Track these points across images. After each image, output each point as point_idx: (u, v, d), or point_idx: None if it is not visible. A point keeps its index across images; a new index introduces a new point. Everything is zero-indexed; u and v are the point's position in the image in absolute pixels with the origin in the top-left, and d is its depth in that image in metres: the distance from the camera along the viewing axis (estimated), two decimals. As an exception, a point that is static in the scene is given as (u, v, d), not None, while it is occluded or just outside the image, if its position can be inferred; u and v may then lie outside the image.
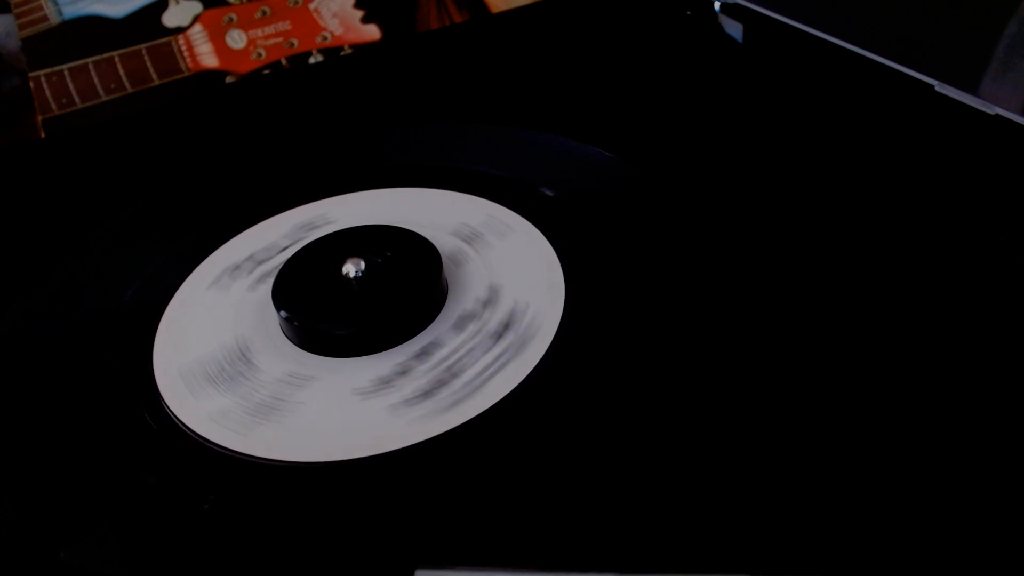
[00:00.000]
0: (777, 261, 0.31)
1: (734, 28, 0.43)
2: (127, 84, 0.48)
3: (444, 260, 0.31)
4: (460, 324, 0.30)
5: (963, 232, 0.31)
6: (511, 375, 0.28)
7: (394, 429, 0.27)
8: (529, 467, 0.26)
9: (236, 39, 0.49)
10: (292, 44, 0.49)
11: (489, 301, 0.31)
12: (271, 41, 0.49)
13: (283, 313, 0.30)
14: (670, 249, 0.32)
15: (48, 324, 0.33)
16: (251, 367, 0.30)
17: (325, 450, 0.27)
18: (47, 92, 0.47)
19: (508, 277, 0.31)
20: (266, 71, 0.48)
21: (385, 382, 0.29)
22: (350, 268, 0.30)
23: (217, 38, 0.49)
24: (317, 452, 0.27)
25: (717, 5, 0.44)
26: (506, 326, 0.30)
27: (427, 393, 0.28)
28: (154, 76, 0.48)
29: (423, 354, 0.29)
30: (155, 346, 0.31)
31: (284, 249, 0.34)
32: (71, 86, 0.47)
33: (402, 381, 0.29)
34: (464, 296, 0.31)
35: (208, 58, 0.49)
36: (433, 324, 0.30)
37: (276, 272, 0.31)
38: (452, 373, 0.29)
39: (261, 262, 0.33)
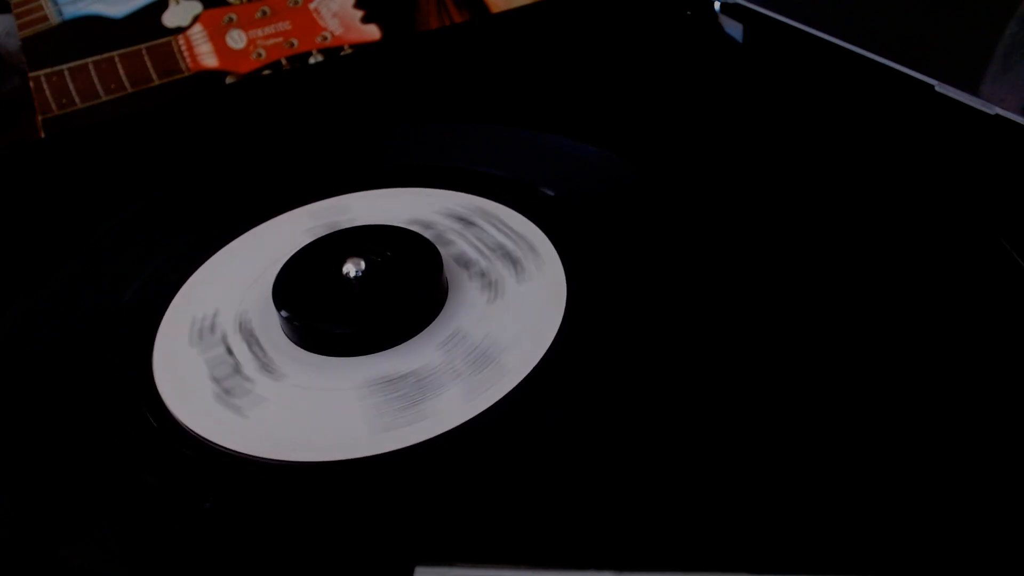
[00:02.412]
0: (778, 261, 0.31)
1: (734, 28, 0.43)
2: (127, 84, 0.48)
3: (444, 260, 0.31)
4: (461, 324, 0.30)
5: (963, 232, 0.31)
6: (511, 375, 0.28)
7: (394, 428, 0.27)
8: (528, 466, 0.26)
9: (236, 39, 0.49)
10: (292, 44, 0.49)
11: (488, 302, 0.31)
12: (271, 41, 0.49)
13: (283, 313, 0.30)
14: (670, 249, 0.32)
15: (48, 324, 0.33)
16: (251, 366, 0.30)
17: (325, 449, 0.27)
18: (47, 92, 0.47)
19: (507, 275, 0.31)
20: (266, 71, 0.48)
21: (386, 381, 0.29)
22: (350, 268, 0.30)
23: (217, 38, 0.49)
24: (317, 451, 0.27)
25: (717, 5, 0.44)
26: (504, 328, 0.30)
27: (428, 393, 0.28)
28: (154, 76, 0.48)
29: (424, 353, 0.29)
30: (155, 346, 0.31)
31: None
32: (71, 86, 0.47)
33: (403, 380, 0.29)
34: (464, 297, 0.31)
35: (208, 58, 0.49)
36: (432, 324, 0.30)
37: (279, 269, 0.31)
38: (454, 372, 0.29)
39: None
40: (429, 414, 0.27)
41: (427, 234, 0.32)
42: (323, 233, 0.33)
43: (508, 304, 0.30)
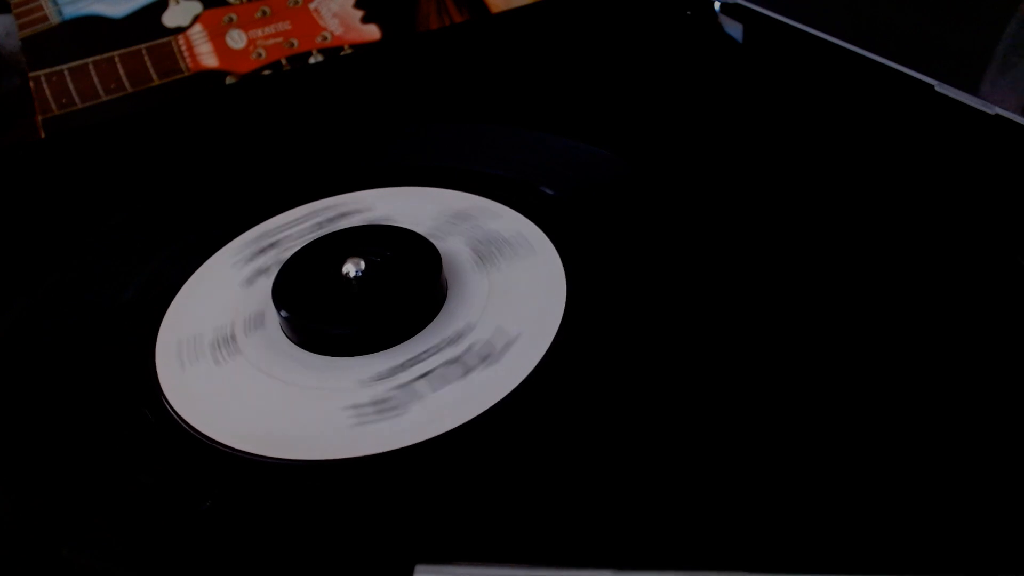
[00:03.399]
0: (778, 262, 0.31)
1: (734, 28, 0.43)
2: (127, 84, 0.48)
3: (444, 259, 0.31)
4: (462, 321, 0.30)
5: (963, 232, 0.31)
6: (512, 375, 0.28)
7: (395, 428, 0.27)
8: (527, 465, 0.26)
9: (236, 39, 0.49)
10: (292, 44, 0.49)
11: (487, 306, 0.31)
12: (271, 41, 0.49)
13: (283, 313, 0.30)
14: (670, 249, 0.32)
15: (48, 324, 0.33)
16: (251, 365, 0.30)
17: (325, 449, 0.27)
18: (47, 92, 0.47)
19: (508, 275, 0.31)
20: (266, 71, 0.48)
21: (387, 381, 0.29)
22: (350, 268, 0.30)
23: (217, 38, 0.49)
24: (317, 450, 0.27)
25: (717, 5, 0.44)
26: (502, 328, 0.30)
27: (429, 392, 0.28)
28: (154, 76, 0.48)
29: (424, 353, 0.29)
30: (156, 345, 0.31)
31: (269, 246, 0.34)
32: (71, 86, 0.47)
33: (404, 380, 0.29)
34: (465, 296, 0.31)
35: (208, 58, 0.49)
36: (432, 324, 0.30)
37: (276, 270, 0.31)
38: (454, 372, 0.29)
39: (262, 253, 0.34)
40: (428, 415, 0.27)
41: (427, 234, 0.32)
42: (325, 233, 0.33)
43: (507, 304, 0.31)
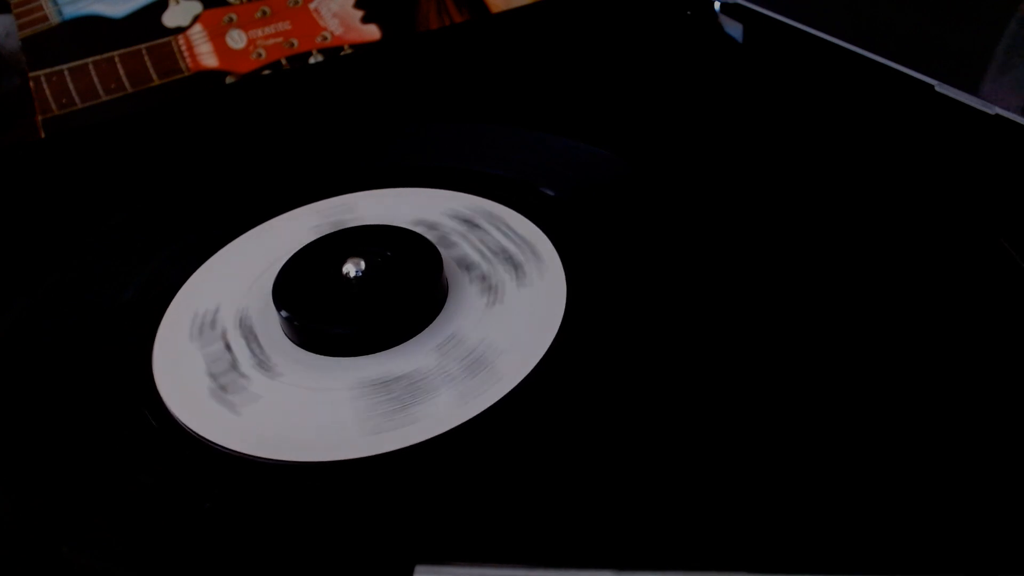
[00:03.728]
0: (778, 262, 0.31)
1: (734, 28, 0.43)
2: (127, 84, 0.48)
3: (445, 261, 0.31)
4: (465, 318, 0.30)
5: (963, 232, 0.31)
6: (512, 375, 0.28)
7: (395, 428, 0.27)
8: (528, 465, 0.26)
9: (236, 39, 0.49)
10: (292, 44, 0.49)
11: (489, 302, 0.31)
12: (271, 41, 0.49)
13: (283, 312, 0.30)
14: (671, 249, 0.32)
15: (48, 324, 0.33)
16: (248, 364, 0.30)
17: (324, 449, 0.27)
18: (47, 92, 0.47)
19: (508, 280, 0.31)
20: (266, 71, 0.48)
21: (388, 381, 0.29)
22: (350, 268, 0.30)
23: (217, 38, 0.49)
24: (317, 451, 0.27)
25: (717, 5, 0.44)
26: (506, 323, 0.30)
27: (425, 393, 0.28)
28: (154, 76, 0.48)
29: (423, 353, 0.29)
30: (155, 345, 0.31)
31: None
32: (71, 86, 0.47)
33: (400, 381, 0.29)
34: (464, 300, 0.31)
35: (208, 58, 0.49)
36: (432, 325, 0.30)
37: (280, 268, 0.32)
38: (454, 372, 0.29)
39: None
40: (427, 415, 0.27)
41: (430, 235, 0.32)
42: (325, 233, 0.33)
43: (507, 309, 0.30)
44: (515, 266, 0.32)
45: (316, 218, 0.35)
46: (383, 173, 0.37)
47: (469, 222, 0.34)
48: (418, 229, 0.33)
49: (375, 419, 0.27)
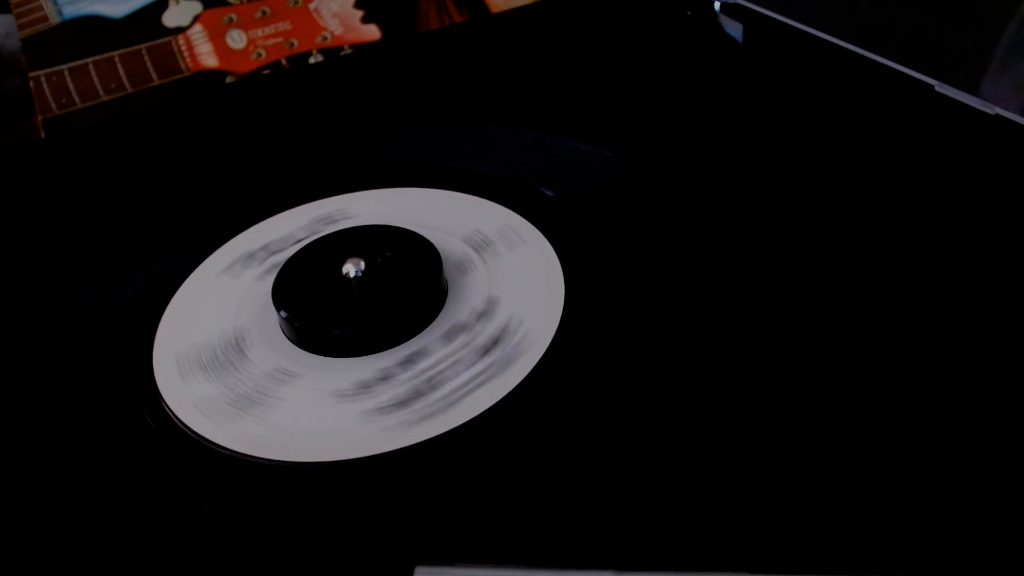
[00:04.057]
0: (778, 262, 0.31)
1: (734, 28, 0.43)
2: (127, 84, 0.48)
3: (444, 260, 0.31)
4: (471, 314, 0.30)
5: (963, 232, 0.31)
6: (511, 376, 0.28)
7: (395, 428, 0.27)
8: (528, 465, 0.26)
9: (236, 39, 0.49)
10: (292, 44, 0.49)
11: (488, 305, 0.31)
12: (271, 41, 0.49)
13: (283, 313, 0.30)
14: (671, 249, 0.32)
15: (48, 324, 0.33)
16: (249, 364, 0.30)
17: (324, 449, 0.27)
18: (47, 92, 0.47)
19: (508, 276, 0.31)
20: (266, 71, 0.48)
21: (389, 381, 0.29)
22: (350, 268, 0.30)
23: (217, 38, 0.49)
24: (316, 451, 0.27)
25: (717, 5, 0.44)
26: (512, 318, 0.30)
27: (431, 391, 0.28)
28: (154, 76, 0.48)
29: (423, 353, 0.29)
30: (155, 345, 0.31)
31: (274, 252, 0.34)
32: (71, 86, 0.47)
33: (403, 380, 0.29)
34: (464, 299, 0.31)
35: (208, 58, 0.49)
36: (432, 325, 0.30)
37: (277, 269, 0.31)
38: (453, 372, 0.29)
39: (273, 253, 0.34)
40: (426, 415, 0.27)
41: (428, 235, 0.32)
42: (324, 233, 0.33)
43: (507, 307, 0.30)
44: (515, 270, 0.32)
45: (315, 218, 0.35)
46: (383, 173, 0.37)
47: (472, 224, 0.34)
48: (418, 229, 0.32)
49: (374, 419, 0.27)
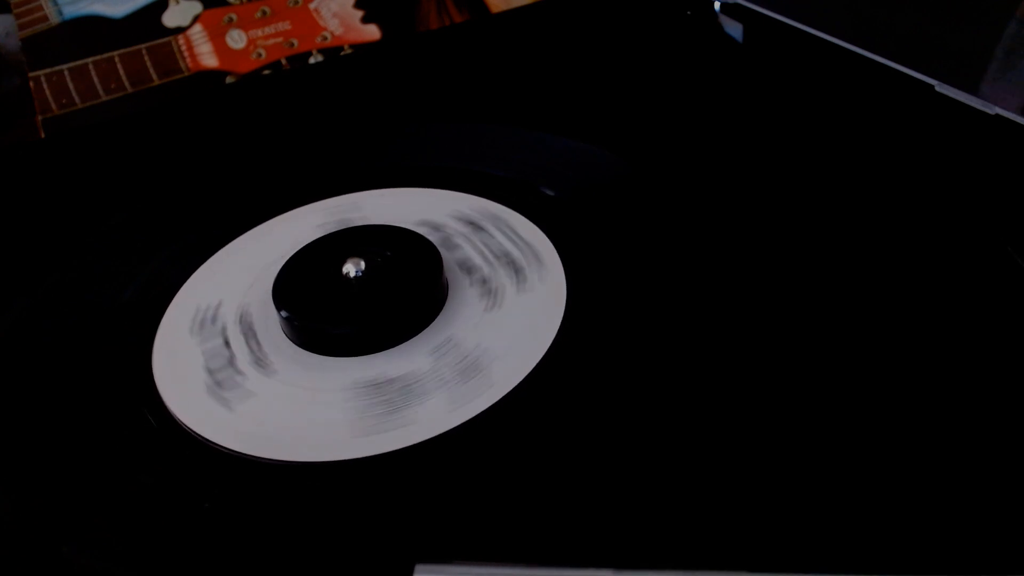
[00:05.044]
0: (778, 262, 0.31)
1: (734, 28, 0.43)
2: (127, 84, 0.48)
3: (446, 262, 0.31)
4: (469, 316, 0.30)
5: (963, 232, 0.31)
6: (512, 374, 0.28)
7: (394, 429, 0.27)
8: (528, 465, 0.26)
9: (236, 39, 0.49)
10: (292, 44, 0.49)
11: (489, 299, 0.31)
12: (271, 41, 0.49)
13: (283, 312, 0.30)
14: (671, 249, 0.32)
15: (48, 324, 0.33)
16: (246, 361, 0.30)
17: (325, 449, 0.27)
18: (47, 92, 0.47)
19: (508, 285, 0.31)
20: (266, 71, 0.48)
21: (388, 381, 0.29)
22: (350, 268, 0.30)
23: (217, 38, 0.49)
24: (317, 451, 0.27)
25: (717, 5, 0.44)
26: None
27: (429, 392, 0.28)
28: (154, 76, 0.48)
29: (423, 353, 0.29)
30: (155, 345, 0.31)
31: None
32: (71, 86, 0.47)
33: (403, 380, 0.29)
34: (465, 296, 0.31)
35: (208, 58, 0.49)
36: (431, 327, 0.30)
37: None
38: (453, 371, 0.29)
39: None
40: (428, 414, 0.27)
41: (434, 236, 0.32)
42: (325, 233, 0.33)
43: (506, 314, 0.30)
44: (516, 270, 0.32)
45: (316, 218, 0.35)
46: (383, 173, 0.37)
47: (473, 224, 0.34)
48: (421, 230, 0.33)
49: (374, 419, 0.27)
